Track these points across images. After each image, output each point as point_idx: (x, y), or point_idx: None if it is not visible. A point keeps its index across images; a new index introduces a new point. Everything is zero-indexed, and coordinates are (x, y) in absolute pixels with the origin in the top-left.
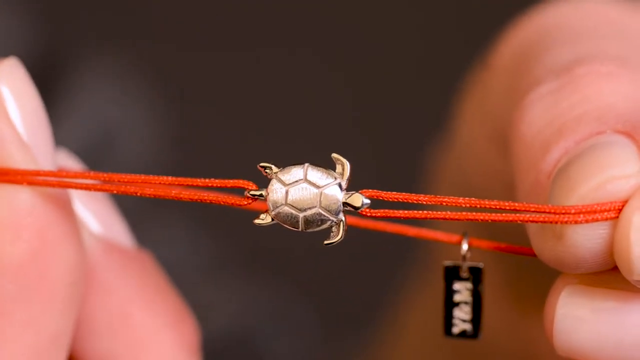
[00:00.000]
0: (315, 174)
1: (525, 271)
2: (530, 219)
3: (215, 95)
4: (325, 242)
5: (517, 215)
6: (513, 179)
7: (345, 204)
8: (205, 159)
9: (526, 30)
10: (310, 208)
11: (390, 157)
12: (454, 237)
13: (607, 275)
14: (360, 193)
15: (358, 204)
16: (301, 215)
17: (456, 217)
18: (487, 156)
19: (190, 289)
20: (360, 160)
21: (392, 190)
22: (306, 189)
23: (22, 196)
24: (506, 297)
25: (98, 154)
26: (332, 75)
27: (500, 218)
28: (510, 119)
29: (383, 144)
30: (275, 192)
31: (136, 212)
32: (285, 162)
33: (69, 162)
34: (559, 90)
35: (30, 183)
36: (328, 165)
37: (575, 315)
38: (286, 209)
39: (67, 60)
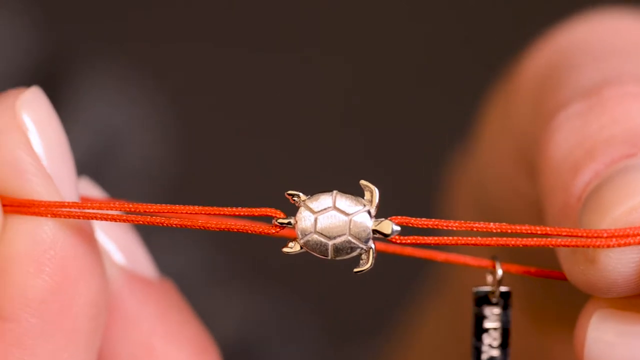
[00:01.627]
0: (344, 202)
1: (545, 291)
2: (562, 243)
3: (219, 100)
4: (355, 269)
5: (549, 239)
6: (540, 200)
7: (374, 231)
8: (210, 163)
9: (550, 49)
10: (339, 236)
11: (407, 174)
12: (485, 262)
13: (638, 299)
14: (389, 220)
15: (388, 232)
16: (330, 243)
17: (487, 242)
18: (509, 175)
19: (195, 299)
20: (376, 177)
21: (409, 208)
22: (335, 217)
23: (45, 229)
24: (526, 317)
25: (102, 159)
26: (347, 86)
27: (532, 243)
28: (538, 140)
29: (400, 161)
30: (304, 220)
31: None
32: (291, 170)
33: (92, 190)
34: (587, 112)
35: (54, 215)
36: (356, 192)
37: (606, 339)
38: (315, 237)
39: (71, 66)
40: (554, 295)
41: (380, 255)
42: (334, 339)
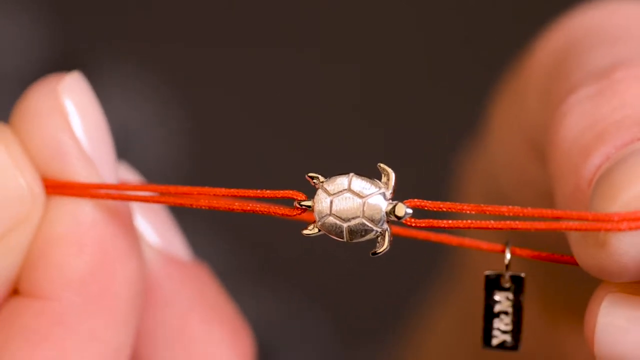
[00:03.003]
0: (359, 184)
1: (553, 279)
2: (573, 226)
3: (231, 95)
4: (372, 252)
5: (560, 223)
6: (550, 185)
7: (388, 213)
8: (222, 161)
9: (561, 35)
10: (353, 218)
11: (418, 162)
12: (497, 246)
13: None
14: (403, 203)
15: (401, 214)
16: (345, 225)
17: (499, 226)
18: (520, 162)
19: None
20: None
21: (421, 195)
22: (350, 199)
23: (86, 210)
24: (535, 304)
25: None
26: (358, 77)
27: (543, 227)
28: (548, 124)
29: (411, 148)
30: (321, 202)
31: None
32: (303, 164)
33: (129, 175)
34: (598, 95)
35: (94, 197)
36: (373, 175)
37: (617, 324)
38: (331, 219)
39: (84, 63)
40: (563, 284)
41: (391, 255)
42: (343, 339)
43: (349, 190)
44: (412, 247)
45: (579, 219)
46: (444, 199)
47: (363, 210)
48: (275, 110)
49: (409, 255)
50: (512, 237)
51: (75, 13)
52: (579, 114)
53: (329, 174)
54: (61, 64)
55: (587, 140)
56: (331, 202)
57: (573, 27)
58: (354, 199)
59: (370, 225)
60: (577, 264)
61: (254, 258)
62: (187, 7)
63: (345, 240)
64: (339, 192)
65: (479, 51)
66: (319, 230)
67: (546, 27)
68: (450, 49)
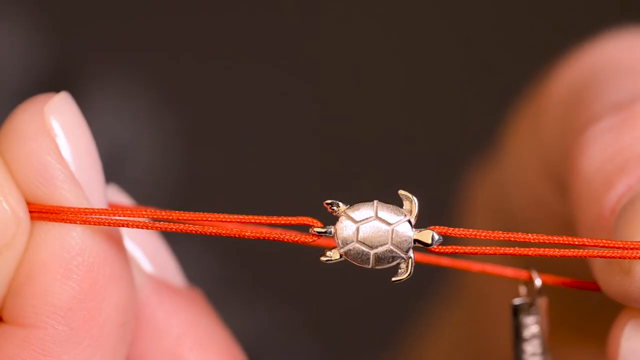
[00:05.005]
0: (385, 211)
1: (558, 299)
2: (599, 254)
3: (224, 109)
4: (393, 279)
5: (587, 251)
6: (571, 213)
7: (415, 240)
8: (214, 173)
9: (580, 65)
10: (381, 245)
11: (424, 182)
12: (522, 273)
13: None
14: (430, 229)
15: (429, 241)
16: (372, 252)
17: (525, 253)
18: (534, 186)
19: None
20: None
21: (429, 215)
22: (377, 226)
23: (73, 235)
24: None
25: (108, 171)
26: (367, 92)
27: (570, 254)
28: (568, 153)
29: (418, 168)
30: (346, 229)
31: None
32: (301, 182)
33: (119, 197)
34: (619, 127)
35: (82, 222)
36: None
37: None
38: (357, 246)
39: (77, 77)
40: (573, 306)
41: (387, 271)
42: (333, 353)
43: (376, 217)
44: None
45: (605, 246)
46: (452, 217)
47: (391, 237)
48: (270, 123)
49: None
50: (518, 261)
51: (70, 28)
52: (601, 144)
53: (328, 195)
54: (54, 78)
55: (609, 170)
56: (357, 229)
57: (591, 58)
58: (382, 227)
59: (397, 252)
60: (599, 290)
61: (244, 271)
62: (186, 23)
63: (370, 267)
64: (365, 219)
65: (499, 67)
66: (341, 257)
67: (562, 56)
68: (461, 69)
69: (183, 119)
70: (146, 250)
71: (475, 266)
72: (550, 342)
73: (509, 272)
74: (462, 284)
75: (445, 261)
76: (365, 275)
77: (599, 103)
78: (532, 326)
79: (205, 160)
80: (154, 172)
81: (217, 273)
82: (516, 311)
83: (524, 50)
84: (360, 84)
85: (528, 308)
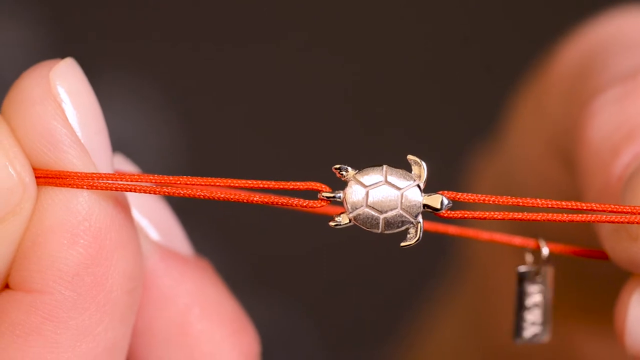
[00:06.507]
0: (395, 176)
1: (564, 276)
2: (608, 219)
3: (228, 103)
4: (402, 244)
5: (595, 215)
6: (578, 182)
7: (425, 205)
8: (221, 166)
9: (585, 42)
10: (391, 210)
11: (430, 159)
12: (529, 242)
13: None
14: (440, 194)
15: (438, 206)
16: (382, 216)
17: (534, 217)
18: (541, 164)
19: None
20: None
21: (435, 188)
22: (387, 191)
23: (80, 200)
24: None
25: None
26: (368, 73)
27: (578, 219)
28: (574, 125)
29: (424, 145)
30: (355, 193)
31: None
32: (307, 166)
33: (126, 166)
34: (625, 97)
35: (89, 187)
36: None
37: None
38: (367, 210)
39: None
40: (577, 284)
41: (387, 261)
42: (331, 346)
43: (386, 182)
44: (412, 249)
45: (614, 212)
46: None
47: (401, 202)
48: (274, 113)
49: (407, 262)
50: (521, 231)
51: (75, 24)
52: (607, 114)
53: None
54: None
55: (616, 139)
56: (367, 194)
57: (596, 34)
58: (392, 191)
59: (407, 216)
60: (607, 259)
61: (245, 264)
62: (189, 18)
63: (379, 231)
64: (374, 183)
65: (503, 48)
66: (350, 221)
67: (566, 34)
68: (467, 49)
69: (186, 114)
70: (153, 218)
71: (484, 235)
72: (553, 317)
73: (516, 240)
74: (467, 265)
75: (453, 230)
76: (366, 271)
77: (604, 75)
78: (535, 295)
79: (209, 159)
80: (159, 162)
81: (217, 272)
82: (521, 279)
83: (530, 31)
84: (367, 61)
85: (533, 276)
